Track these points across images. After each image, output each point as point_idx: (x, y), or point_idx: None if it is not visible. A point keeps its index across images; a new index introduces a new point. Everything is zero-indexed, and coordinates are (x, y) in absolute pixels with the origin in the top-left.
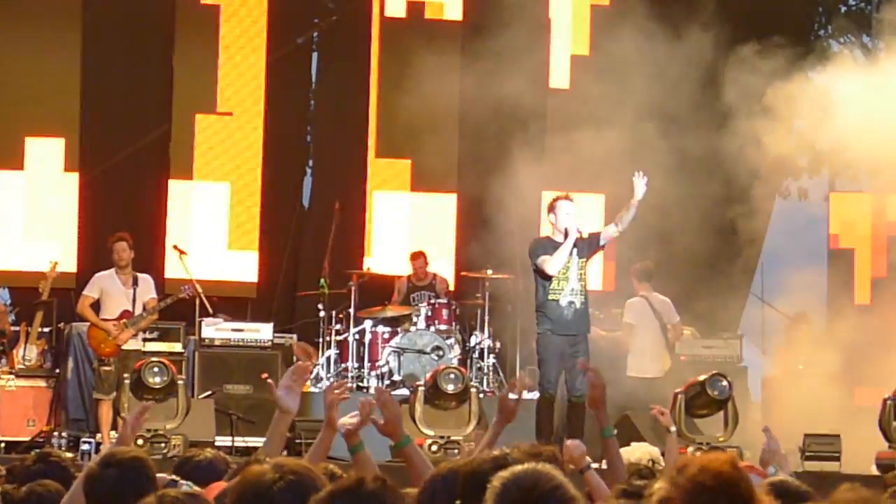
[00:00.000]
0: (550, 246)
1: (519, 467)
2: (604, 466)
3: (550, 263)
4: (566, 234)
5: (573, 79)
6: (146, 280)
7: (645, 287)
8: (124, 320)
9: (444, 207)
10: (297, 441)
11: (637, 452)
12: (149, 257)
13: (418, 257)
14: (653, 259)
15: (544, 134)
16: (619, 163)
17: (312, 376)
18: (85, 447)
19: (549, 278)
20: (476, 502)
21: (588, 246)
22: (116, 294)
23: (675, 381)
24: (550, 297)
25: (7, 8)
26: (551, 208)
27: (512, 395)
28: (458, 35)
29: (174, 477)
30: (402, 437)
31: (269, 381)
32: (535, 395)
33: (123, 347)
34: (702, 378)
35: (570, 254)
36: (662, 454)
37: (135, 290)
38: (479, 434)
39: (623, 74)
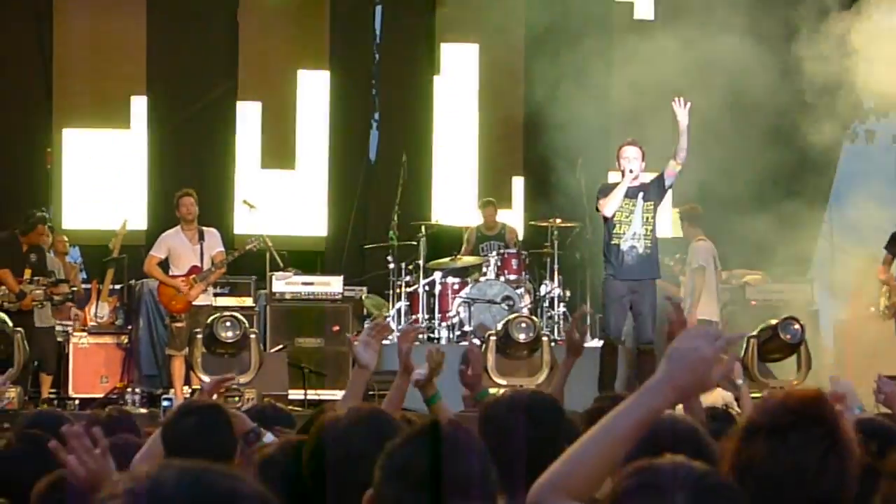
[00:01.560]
0: (612, 189)
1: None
2: (679, 409)
3: (607, 205)
4: (623, 176)
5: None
6: (213, 234)
7: (698, 231)
8: (193, 276)
9: (510, 157)
10: (371, 393)
11: (710, 397)
12: (217, 213)
13: (488, 206)
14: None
15: (610, 79)
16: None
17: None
18: (165, 403)
19: (611, 222)
20: (493, 444)
21: (655, 188)
22: (184, 251)
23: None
24: (612, 241)
25: None
26: (618, 154)
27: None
28: None
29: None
30: (481, 390)
31: (348, 335)
32: (599, 342)
33: (194, 303)
34: (774, 322)
35: (635, 197)
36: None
37: (202, 244)
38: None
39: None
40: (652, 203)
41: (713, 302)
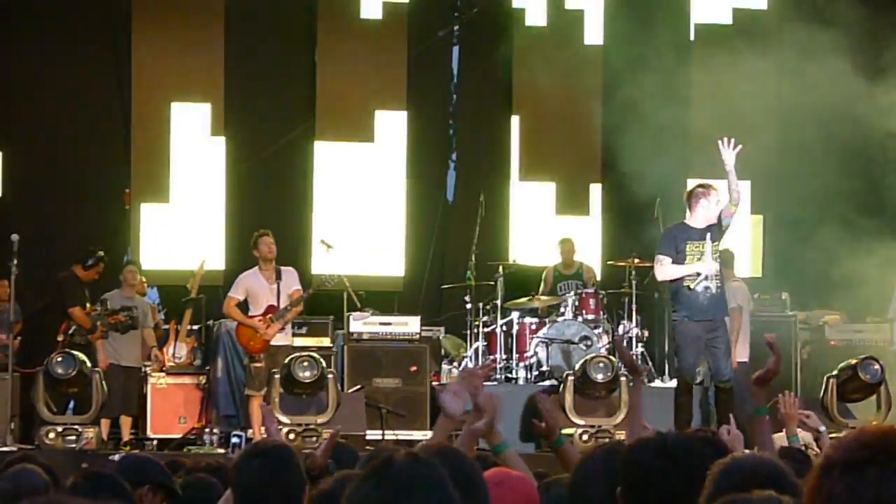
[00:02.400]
0: (680, 234)
1: (740, 455)
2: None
3: (663, 271)
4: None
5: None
6: (290, 272)
7: (731, 272)
8: (270, 315)
9: (588, 197)
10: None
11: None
12: (295, 253)
13: (566, 243)
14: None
15: (687, 120)
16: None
17: (461, 367)
18: (235, 440)
19: (683, 264)
20: (639, 489)
21: (717, 229)
22: (261, 290)
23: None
24: (685, 282)
25: (152, 11)
26: (688, 196)
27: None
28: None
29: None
30: (558, 437)
31: (434, 384)
32: (673, 382)
33: (273, 343)
34: (853, 362)
35: (703, 239)
36: (816, 440)
37: (278, 283)
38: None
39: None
40: (717, 243)
41: (746, 343)
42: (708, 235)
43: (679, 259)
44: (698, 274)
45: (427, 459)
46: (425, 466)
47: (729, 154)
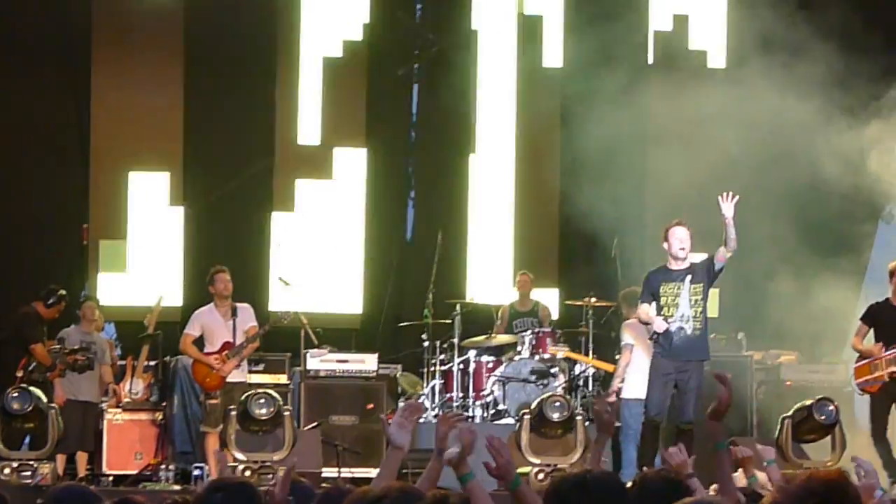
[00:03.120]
0: (662, 277)
1: (688, 499)
2: (712, 489)
3: (641, 317)
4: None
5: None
6: (245, 309)
7: (631, 310)
8: (226, 352)
9: (546, 235)
10: (405, 471)
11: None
12: (252, 289)
13: (522, 275)
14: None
15: (644, 158)
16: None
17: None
18: (196, 472)
19: (658, 305)
20: None
21: (703, 271)
22: (217, 327)
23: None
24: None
25: (111, 46)
26: (665, 235)
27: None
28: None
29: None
30: (513, 479)
31: (382, 416)
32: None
33: (229, 380)
34: (808, 402)
35: (681, 280)
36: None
37: (234, 320)
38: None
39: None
40: (701, 285)
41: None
42: (687, 278)
43: (656, 301)
44: (671, 315)
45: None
46: None
47: (728, 207)
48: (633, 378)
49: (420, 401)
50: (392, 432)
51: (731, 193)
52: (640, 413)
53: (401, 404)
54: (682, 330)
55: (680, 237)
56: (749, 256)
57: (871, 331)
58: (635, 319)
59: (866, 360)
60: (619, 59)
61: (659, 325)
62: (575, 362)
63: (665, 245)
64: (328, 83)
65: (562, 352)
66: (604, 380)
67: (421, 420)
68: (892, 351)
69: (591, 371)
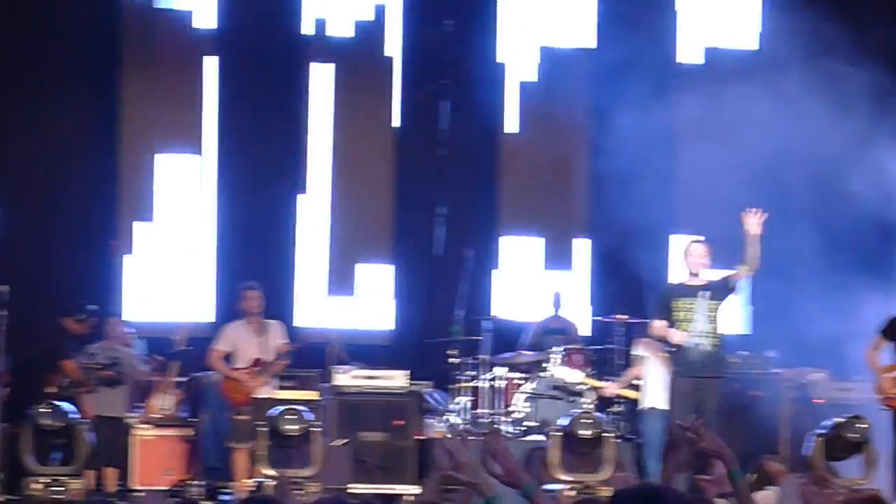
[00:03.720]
0: (675, 292)
1: None
2: None
3: (653, 333)
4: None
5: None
6: (276, 325)
7: None
8: (257, 368)
9: (577, 251)
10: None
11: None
12: (282, 306)
13: (557, 297)
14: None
15: (670, 178)
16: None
17: (446, 422)
18: (225, 497)
19: (672, 321)
20: None
21: (721, 288)
22: (247, 343)
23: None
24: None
25: (141, 64)
26: (686, 252)
27: None
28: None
29: None
30: (526, 484)
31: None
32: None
33: (259, 396)
34: (840, 420)
35: (695, 296)
36: None
37: (266, 337)
38: (617, 478)
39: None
40: (717, 302)
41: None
42: (705, 294)
43: (670, 315)
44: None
45: None
46: None
47: (755, 224)
48: (649, 388)
49: (446, 419)
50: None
51: (758, 210)
52: (659, 428)
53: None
54: (699, 346)
55: (698, 253)
56: (780, 273)
57: (892, 345)
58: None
59: (892, 374)
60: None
61: (678, 338)
62: (606, 379)
63: (685, 262)
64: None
65: (578, 377)
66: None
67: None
68: None
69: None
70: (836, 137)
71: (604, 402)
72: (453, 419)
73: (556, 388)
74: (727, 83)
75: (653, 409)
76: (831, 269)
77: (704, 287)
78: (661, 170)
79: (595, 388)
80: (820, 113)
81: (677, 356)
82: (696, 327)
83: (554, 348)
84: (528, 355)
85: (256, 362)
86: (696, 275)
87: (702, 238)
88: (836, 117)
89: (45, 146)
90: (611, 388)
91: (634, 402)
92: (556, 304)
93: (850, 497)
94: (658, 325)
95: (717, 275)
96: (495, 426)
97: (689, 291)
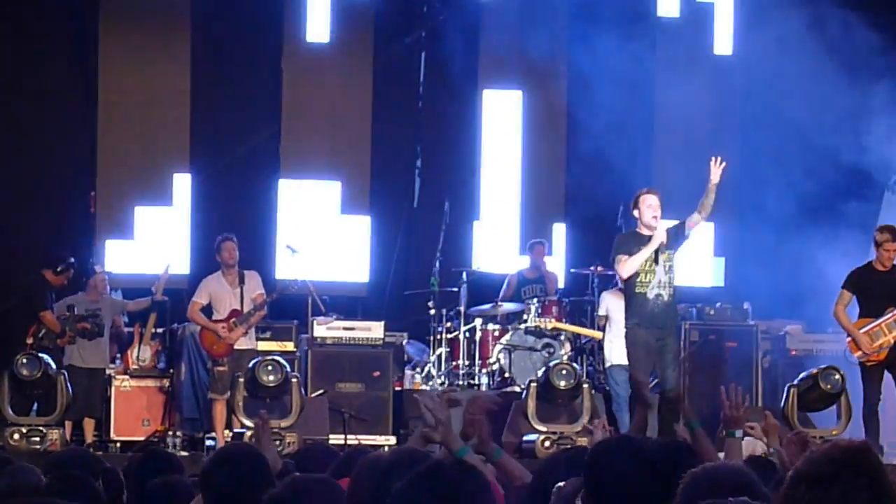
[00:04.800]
0: (633, 242)
1: (710, 465)
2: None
3: (627, 269)
4: (643, 218)
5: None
6: (253, 276)
7: None
8: (233, 319)
9: (552, 204)
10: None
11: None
12: (260, 257)
13: (539, 246)
14: None
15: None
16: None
17: (423, 373)
18: (209, 443)
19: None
20: (599, 485)
21: (675, 237)
22: (224, 295)
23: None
24: (637, 290)
25: (118, 20)
26: (635, 203)
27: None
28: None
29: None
30: (493, 451)
31: (392, 380)
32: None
33: (237, 347)
34: (815, 371)
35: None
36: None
37: (242, 288)
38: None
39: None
40: (672, 252)
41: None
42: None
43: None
44: (649, 282)
45: (473, 466)
46: (472, 473)
47: (716, 172)
48: (616, 346)
49: (426, 370)
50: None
51: (720, 158)
52: (625, 380)
53: (417, 375)
54: (659, 297)
55: (651, 204)
56: (755, 227)
57: (854, 299)
58: (615, 289)
59: (865, 329)
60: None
61: (660, 234)
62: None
63: (636, 212)
64: (335, 57)
65: (549, 324)
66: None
67: (426, 387)
68: (891, 315)
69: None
70: (816, 90)
71: (579, 353)
72: (430, 371)
73: (529, 333)
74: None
75: (619, 365)
76: (807, 223)
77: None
78: (640, 118)
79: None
80: (797, 67)
81: (636, 309)
82: (657, 278)
83: (531, 300)
84: (505, 307)
85: (233, 313)
86: (651, 227)
87: (654, 189)
88: (815, 69)
89: (24, 101)
90: (585, 331)
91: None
92: (534, 255)
93: (837, 441)
94: (625, 257)
95: (670, 224)
96: (480, 391)
97: (646, 242)
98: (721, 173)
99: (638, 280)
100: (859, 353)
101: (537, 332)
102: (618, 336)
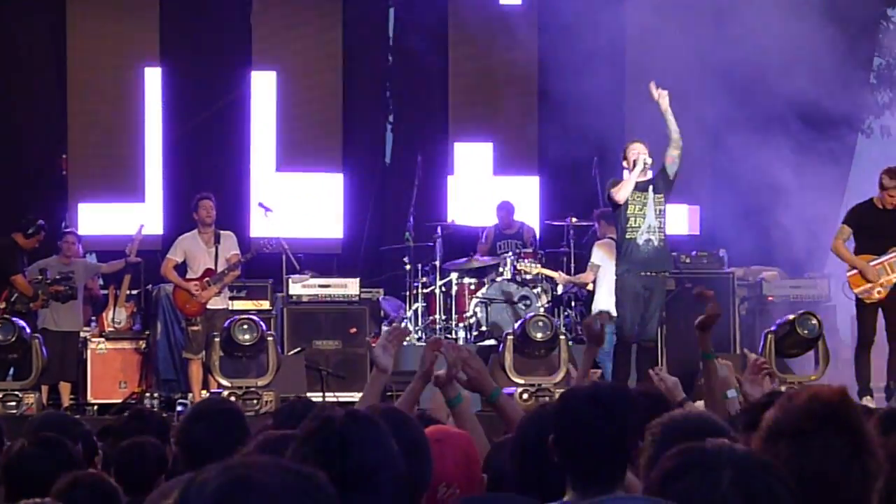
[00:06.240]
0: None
1: (677, 412)
2: (699, 405)
3: (619, 190)
4: (633, 165)
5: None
6: (228, 236)
7: (611, 230)
8: (207, 279)
9: (525, 157)
10: (389, 393)
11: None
12: (234, 216)
13: (504, 208)
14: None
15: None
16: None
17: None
18: (180, 408)
19: (624, 216)
20: (570, 436)
21: (661, 180)
22: (199, 254)
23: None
24: (628, 235)
25: None
26: (624, 155)
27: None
28: None
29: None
30: (491, 390)
31: (368, 339)
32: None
33: (211, 306)
34: (792, 317)
35: (646, 190)
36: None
37: (217, 247)
38: (570, 379)
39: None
40: (662, 195)
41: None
42: (650, 187)
43: (622, 210)
44: (639, 227)
45: (368, 416)
46: (366, 424)
47: (662, 96)
48: (603, 297)
49: (405, 324)
50: (377, 355)
51: (655, 84)
52: (611, 331)
53: (384, 329)
54: (650, 242)
55: (638, 150)
56: (728, 174)
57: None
58: (608, 238)
59: (877, 261)
60: None
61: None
62: (556, 282)
63: (625, 164)
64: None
65: (534, 268)
66: (586, 300)
67: (406, 342)
68: (893, 254)
69: (573, 290)
70: (781, 39)
71: (556, 304)
72: (407, 326)
73: (512, 282)
74: None
75: (607, 312)
76: (781, 168)
77: (649, 182)
78: (612, 77)
79: (548, 278)
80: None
81: (627, 255)
82: (647, 223)
83: (506, 253)
84: (481, 260)
85: (207, 272)
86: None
87: (640, 139)
88: (782, 19)
89: None
90: (563, 276)
91: (588, 302)
92: (509, 213)
93: (817, 392)
94: (618, 184)
95: (656, 170)
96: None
97: (640, 186)
98: (666, 95)
99: (628, 225)
100: (862, 287)
101: (519, 282)
102: (605, 286)
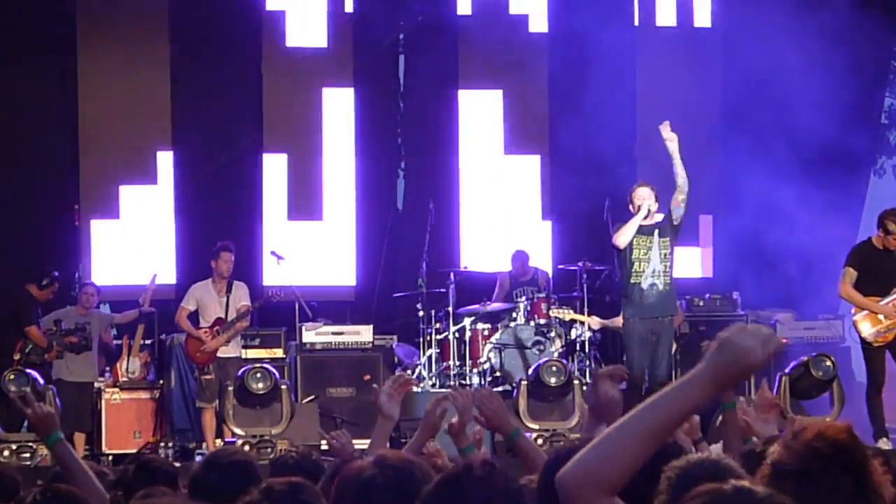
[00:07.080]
0: (637, 230)
1: (693, 457)
2: (717, 448)
3: (620, 235)
4: (639, 210)
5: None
6: (240, 287)
7: None
8: (217, 327)
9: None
10: (403, 441)
11: None
12: (247, 265)
13: (518, 258)
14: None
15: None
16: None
17: (415, 375)
18: (199, 458)
19: (629, 260)
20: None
21: (667, 224)
22: (211, 303)
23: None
24: (632, 280)
25: (97, 24)
26: (630, 198)
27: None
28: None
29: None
30: (511, 430)
31: (374, 386)
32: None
33: (224, 355)
34: (806, 359)
35: (651, 234)
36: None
37: (228, 297)
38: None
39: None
40: (667, 240)
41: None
42: (656, 232)
43: (627, 254)
44: (643, 271)
45: (504, 470)
46: (503, 477)
47: (670, 136)
48: None
49: (417, 371)
50: (382, 402)
51: (665, 122)
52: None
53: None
54: (654, 286)
55: (642, 195)
56: (740, 215)
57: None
58: None
59: (889, 300)
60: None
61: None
62: (571, 327)
63: (630, 207)
64: (316, 57)
65: (567, 314)
66: (601, 344)
67: (419, 389)
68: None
69: (587, 336)
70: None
71: (570, 349)
72: (422, 372)
73: (524, 325)
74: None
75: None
76: (795, 210)
77: (655, 226)
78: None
79: (581, 322)
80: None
81: (632, 299)
82: (651, 267)
83: (521, 298)
84: (494, 306)
85: (217, 322)
86: (647, 215)
87: (646, 182)
88: (794, 51)
89: (3, 111)
90: (596, 320)
91: (601, 346)
92: (524, 262)
93: (821, 431)
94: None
95: (662, 215)
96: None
97: (645, 230)
98: (675, 139)
99: (633, 270)
100: (874, 330)
101: (533, 327)
102: None
